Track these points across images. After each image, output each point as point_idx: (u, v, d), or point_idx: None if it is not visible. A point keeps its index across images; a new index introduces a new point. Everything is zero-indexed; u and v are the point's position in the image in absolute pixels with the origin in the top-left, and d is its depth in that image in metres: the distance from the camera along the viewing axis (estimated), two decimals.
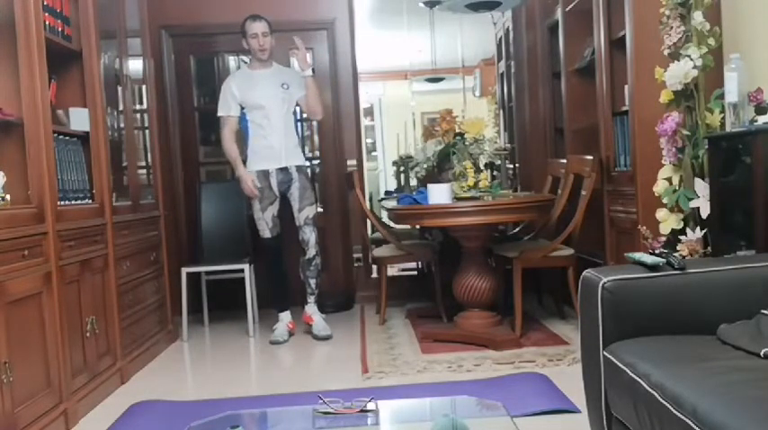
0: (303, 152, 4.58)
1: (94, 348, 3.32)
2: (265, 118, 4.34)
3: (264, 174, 4.35)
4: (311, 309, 4.48)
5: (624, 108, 3.70)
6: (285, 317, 4.47)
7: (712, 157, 2.81)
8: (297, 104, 4.46)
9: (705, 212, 2.89)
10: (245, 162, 4.38)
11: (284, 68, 4.60)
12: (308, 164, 4.54)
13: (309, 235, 4.38)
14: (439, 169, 4.77)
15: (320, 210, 5.12)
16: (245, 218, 5.07)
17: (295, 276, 4.60)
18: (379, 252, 4.74)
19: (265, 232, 4.40)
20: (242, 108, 4.40)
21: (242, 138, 4.49)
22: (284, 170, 4.37)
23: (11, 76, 2.81)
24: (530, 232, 4.64)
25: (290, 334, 4.44)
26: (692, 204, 2.96)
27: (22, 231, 2.68)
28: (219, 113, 4.44)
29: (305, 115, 4.83)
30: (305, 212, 4.38)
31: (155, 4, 4.78)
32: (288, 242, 4.56)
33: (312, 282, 4.45)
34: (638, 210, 3.47)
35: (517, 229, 4.83)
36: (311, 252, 4.39)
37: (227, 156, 4.45)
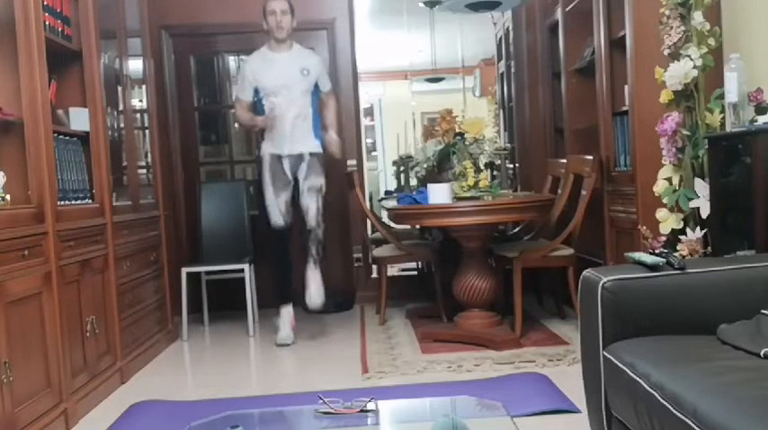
0: (320, 140, 4.32)
1: (94, 348, 3.31)
2: (279, 103, 4.20)
3: (277, 158, 4.24)
4: (310, 272, 4.23)
5: (624, 108, 3.70)
6: (287, 313, 4.34)
7: (712, 157, 2.81)
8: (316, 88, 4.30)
9: (705, 212, 2.89)
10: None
11: (306, 52, 4.39)
12: (322, 151, 4.30)
13: (310, 203, 4.19)
14: (439, 169, 4.77)
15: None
16: (245, 218, 5.07)
17: (299, 274, 4.43)
18: (379, 252, 4.74)
19: (278, 219, 4.21)
20: (257, 92, 4.27)
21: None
22: (297, 156, 4.24)
23: (11, 75, 2.81)
24: (530, 232, 4.64)
25: (294, 331, 4.33)
26: (692, 204, 2.96)
27: (22, 231, 2.68)
28: (235, 94, 4.51)
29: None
30: (310, 181, 4.21)
31: (155, 4, 4.78)
32: (295, 243, 4.44)
33: (312, 247, 4.23)
34: (638, 210, 3.47)
35: (517, 229, 4.83)
36: (311, 223, 4.21)
37: (243, 123, 4.54)
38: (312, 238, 4.27)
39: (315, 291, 4.24)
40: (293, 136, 4.23)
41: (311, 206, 4.22)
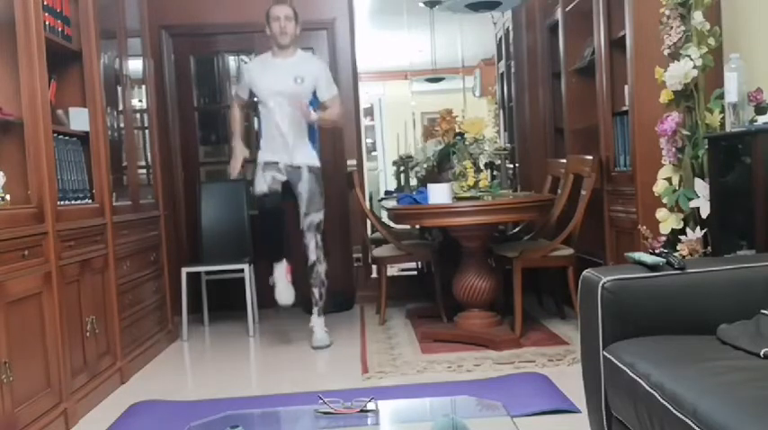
0: (317, 151, 4.28)
1: (94, 348, 3.32)
2: (273, 110, 4.15)
3: (274, 163, 4.17)
4: (314, 320, 4.23)
5: (624, 108, 3.70)
6: (280, 269, 4.19)
7: (712, 157, 2.81)
8: (315, 97, 4.20)
9: (705, 212, 2.89)
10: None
11: (307, 59, 4.34)
12: (319, 164, 4.24)
13: (309, 240, 4.18)
14: (439, 169, 4.77)
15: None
16: (245, 218, 5.07)
17: (294, 238, 4.34)
18: (379, 252, 4.74)
19: (262, 186, 4.14)
20: (253, 94, 4.26)
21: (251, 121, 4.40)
22: (294, 168, 4.18)
23: (11, 75, 2.81)
24: (530, 232, 4.64)
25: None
26: (692, 204, 2.96)
27: (21, 231, 2.68)
28: (235, 90, 4.53)
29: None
30: (310, 218, 4.18)
31: (155, 4, 4.78)
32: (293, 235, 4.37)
33: (315, 291, 4.24)
34: (638, 210, 3.47)
35: (517, 229, 4.83)
36: (311, 258, 4.19)
37: (230, 124, 4.53)
38: (314, 278, 4.23)
39: (320, 335, 4.22)
40: (289, 145, 4.16)
41: (310, 243, 4.20)
